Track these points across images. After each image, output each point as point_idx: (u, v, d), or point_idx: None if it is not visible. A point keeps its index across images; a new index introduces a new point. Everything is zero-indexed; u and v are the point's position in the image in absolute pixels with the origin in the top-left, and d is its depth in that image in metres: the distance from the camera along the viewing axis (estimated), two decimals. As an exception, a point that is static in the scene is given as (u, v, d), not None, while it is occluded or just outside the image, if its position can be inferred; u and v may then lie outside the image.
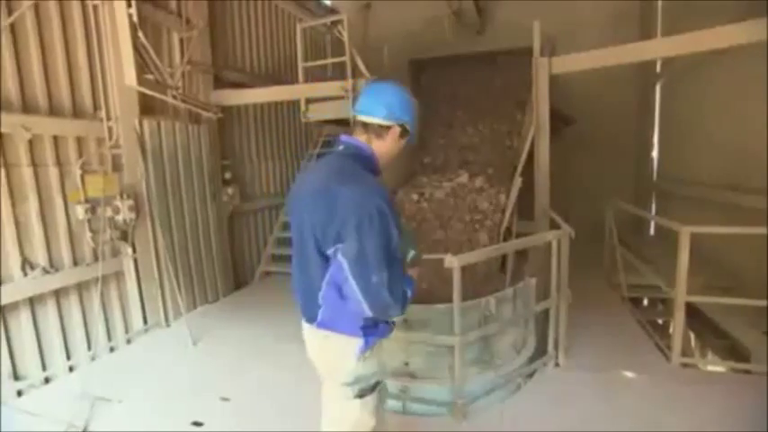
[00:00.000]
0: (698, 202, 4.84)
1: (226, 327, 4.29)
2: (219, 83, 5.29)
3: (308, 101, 5.18)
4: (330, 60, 5.83)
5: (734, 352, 3.66)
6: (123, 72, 3.89)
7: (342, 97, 4.84)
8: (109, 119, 3.93)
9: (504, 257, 3.58)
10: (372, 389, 1.67)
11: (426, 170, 5.27)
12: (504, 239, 3.73)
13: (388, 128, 1.60)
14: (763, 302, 3.26)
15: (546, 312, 3.12)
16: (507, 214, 3.84)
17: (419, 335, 2.81)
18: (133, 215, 4.00)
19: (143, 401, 3.03)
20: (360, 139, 1.61)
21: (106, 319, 3.99)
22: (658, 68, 6.30)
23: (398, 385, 2.86)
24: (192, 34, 4.72)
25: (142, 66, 3.99)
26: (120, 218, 3.93)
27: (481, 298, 2.83)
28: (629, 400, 2.79)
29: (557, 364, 3.18)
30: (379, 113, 1.58)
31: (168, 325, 4.37)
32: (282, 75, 6.67)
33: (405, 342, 2.87)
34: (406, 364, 2.89)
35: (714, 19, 3.68)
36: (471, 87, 5.91)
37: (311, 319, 1.63)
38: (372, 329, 1.56)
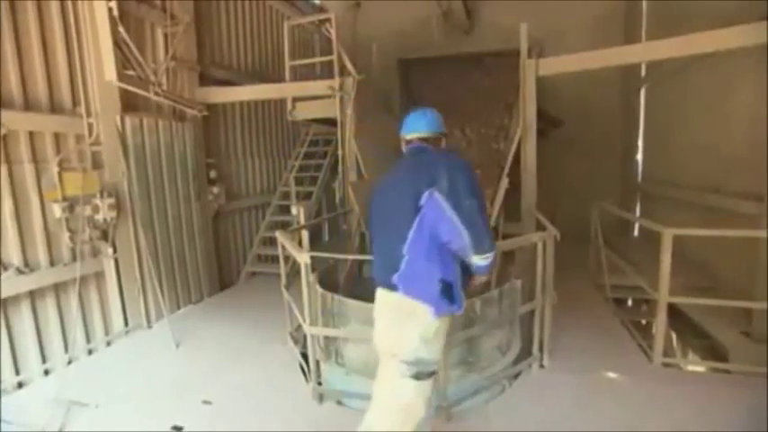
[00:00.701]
0: (681, 204, 4.90)
1: (209, 328, 4.21)
2: (205, 80, 5.20)
3: (296, 99, 5.12)
4: (318, 59, 5.78)
5: (713, 352, 3.71)
6: (104, 67, 3.77)
7: (329, 96, 4.79)
8: (89, 115, 3.81)
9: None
10: (429, 375, 1.74)
11: None
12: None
13: (438, 137, 2.08)
14: (741, 303, 3.33)
15: (531, 314, 3.11)
16: (494, 215, 3.83)
17: (404, 337, 2.77)
18: (114, 214, 3.90)
19: (121, 405, 2.94)
20: (422, 145, 2.03)
21: (85, 321, 3.88)
22: (643, 72, 6.37)
23: (383, 388, 2.82)
24: (176, 30, 4.62)
25: (123, 61, 3.88)
26: (100, 217, 3.82)
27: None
28: (612, 400, 2.79)
29: (541, 366, 3.18)
30: (429, 128, 2.05)
31: (150, 326, 4.27)
32: (269, 73, 6.59)
33: (389, 344, 2.84)
34: (391, 366, 2.86)
35: (697, 23, 3.73)
36: (459, 89, 5.92)
37: (390, 283, 1.77)
38: (444, 299, 1.68)
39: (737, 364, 3.19)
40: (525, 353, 3.19)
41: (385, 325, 1.81)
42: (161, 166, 4.48)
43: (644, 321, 4.75)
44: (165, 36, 4.63)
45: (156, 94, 4.20)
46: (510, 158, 4.11)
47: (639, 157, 6.57)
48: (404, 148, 2.09)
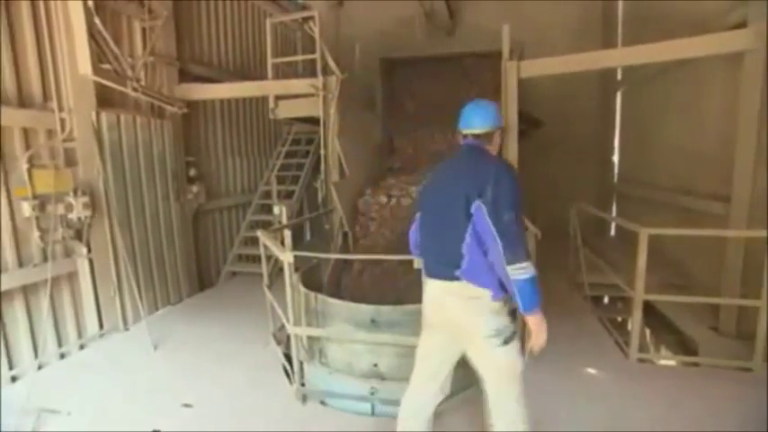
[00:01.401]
0: (655, 205, 5.06)
1: (189, 329, 4.11)
2: (185, 76, 5.07)
3: (278, 98, 5.05)
4: (300, 57, 5.72)
5: (684, 346, 3.85)
6: (77, 61, 3.63)
7: (312, 95, 4.74)
8: (61, 110, 3.67)
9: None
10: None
11: (394, 172, 5.23)
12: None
13: (491, 133, 2.07)
14: (709, 300, 3.46)
15: (514, 312, 3.14)
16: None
17: (388, 336, 2.77)
18: (88, 213, 3.76)
19: (96, 411, 2.84)
20: (475, 142, 2.07)
21: (56, 324, 3.73)
22: (619, 76, 6.55)
23: (367, 387, 2.81)
24: (154, 24, 4.49)
25: (99, 55, 3.75)
26: (73, 216, 3.67)
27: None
28: (591, 396, 2.86)
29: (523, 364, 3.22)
30: (483, 125, 2.06)
31: (127, 329, 4.14)
32: (251, 70, 6.49)
33: (373, 343, 2.84)
34: (375, 365, 2.85)
35: (669, 29, 3.87)
36: (441, 90, 5.94)
37: (447, 275, 1.91)
38: (501, 287, 1.84)
39: (706, 357, 3.32)
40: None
41: (455, 313, 1.94)
42: (139, 163, 4.36)
43: (620, 319, 4.88)
44: (143, 30, 4.50)
45: (134, 89, 4.07)
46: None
47: (616, 158, 6.75)
48: (461, 140, 2.15)
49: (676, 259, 4.47)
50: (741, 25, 3.31)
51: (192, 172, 5.21)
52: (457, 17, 7.35)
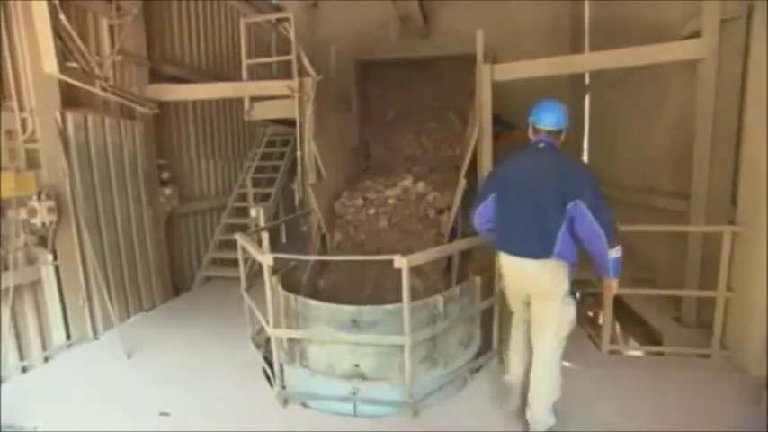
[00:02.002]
0: (622, 203, 5.29)
1: (164, 336, 4.00)
2: (156, 77, 4.94)
3: (253, 99, 4.99)
4: (276, 59, 5.68)
5: (650, 337, 4.05)
6: (40, 58, 3.46)
7: (288, 97, 4.71)
8: (22, 110, 3.50)
9: (449, 257, 3.67)
10: (573, 294, 2.52)
11: (370, 173, 5.25)
12: (450, 240, 3.83)
13: (561, 131, 2.47)
14: (672, 292, 3.66)
15: (491, 309, 3.24)
16: (452, 215, 3.94)
17: (369, 336, 2.79)
18: (54, 218, 3.60)
19: (66, 425, 2.72)
20: (548, 138, 2.44)
21: (18, 336, 3.53)
22: (587, 80, 6.81)
23: (349, 387, 2.83)
24: (123, 22, 4.35)
25: (65, 53, 3.60)
26: (37, 221, 3.51)
27: (429, 297, 2.87)
28: (567, 387, 2.96)
29: (501, 359, 3.31)
30: (560, 124, 2.46)
31: (96, 338, 3.99)
32: (225, 71, 6.38)
33: (355, 344, 2.85)
34: (357, 365, 2.87)
35: (631, 37, 4.07)
36: (415, 92, 6.01)
37: (536, 254, 2.34)
38: (574, 262, 2.36)
39: (670, 347, 3.51)
40: (485, 347, 3.32)
41: (542, 281, 2.38)
42: (108, 166, 4.21)
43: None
44: (111, 28, 4.35)
45: (103, 89, 3.94)
46: (467, 161, 4.24)
47: (585, 158, 7.00)
48: (533, 135, 2.49)
49: (642, 255, 4.68)
50: (695, 35, 3.53)
51: (165, 175, 5.08)
52: (431, 21, 7.46)
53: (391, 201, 4.29)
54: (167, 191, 5.07)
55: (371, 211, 4.26)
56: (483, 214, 2.58)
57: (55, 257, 3.71)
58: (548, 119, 2.45)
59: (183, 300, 5.15)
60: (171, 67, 5.26)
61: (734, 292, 3.14)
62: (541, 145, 2.45)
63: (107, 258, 4.15)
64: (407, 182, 4.39)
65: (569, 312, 2.41)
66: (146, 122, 4.73)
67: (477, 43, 4.18)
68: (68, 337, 3.84)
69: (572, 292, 2.47)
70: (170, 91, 4.89)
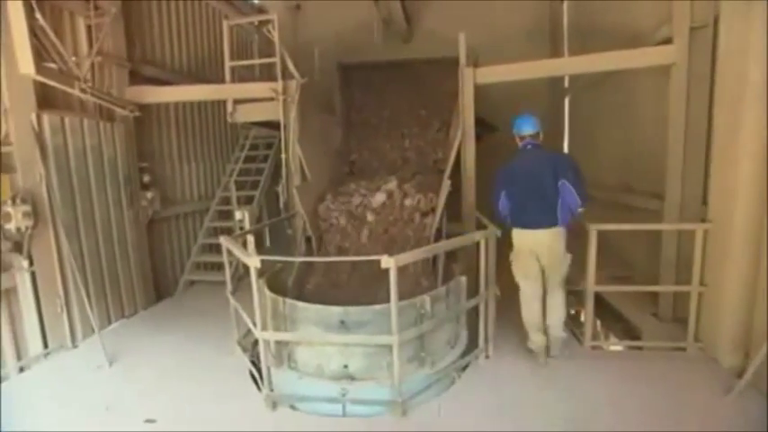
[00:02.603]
0: (601, 203, 5.45)
1: (147, 342, 3.94)
2: (136, 78, 4.86)
3: (237, 102, 4.95)
4: (260, 61, 5.65)
5: (630, 332, 4.19)
6: (14, 58, 3.36)
7: (272, 99, 4.70)
8: (-5, 111, 3.41)
9: (435, 257, 3.73)
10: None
11: (354, 176, 5.28)
12: (436, 240, 3.89)
13: (539, 133, 3.32)
14: (649, 288, 3.80)
15: (476, 308, 3.31)
16: (437, 216, 4.00)
17: (358, 336, 2.82)
18: (30, 223, 3.51)
19: (46, 434, 2.66)
20: (532, 141, 3.31)
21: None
22: (566, 83, 7.01)
23: (338, 388, 2.84)
24: (101, 22, 4.26)
25: (41, 52, 3.52)
26: (11, 226, 3.41)
27: (416, 297, 2.92)
28: (551, 382, 3.07)
29: (487, 356, 3.39)
30: (536, 128, 3.31)
31: (75, 346, 3.89)
32: (207, 73, 6.31)
33: (343, 345, 2.87)
34: (345, 366, 2.89)
35: (606, 43, 4.22)
36: (399, 95, 6.07)
37: (547, 224, 3.15)
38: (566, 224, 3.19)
39: (648, 341, 3.65)
40: (472, 345, 3.38)
41: (552, 243, 3.18)
42: (87, 169, 4.13)
43: (573, 311, 5.20)
44: (89, 27, 4.26)
45: (82, 90, 3.86)
46: (451, 163, 4.31)
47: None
48: (519, 142, 3.36)
49: (621, 253, 4.84)
50: (668, 41, 3.68)
51: (146, 178, 5.00)
52: (414, 24, 7.55)
53: (375, 208, 4.31)
54: (149, 194, 4.98)
55: (358, 211, 4.28)
56: (504, 205, 3.32)
57: (31, 263, 3.61)
58: (526, 127, 3.31)
59: (166, 305, 5.06)
60: (152, 69, 5.19)
61: (706, 286, 3.28)
62: (529, 147, 3.32)
63: (86, 264, 4.06)
64: (392, 185, 4.42)
65: (568, 260, 3.27)
66: (126, 125, 4.64)
67: (460, 46, 4.26)
68: (45, 345, 3.74)
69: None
70: (151, 93, 4.83)
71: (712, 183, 3.33)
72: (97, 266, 4.21)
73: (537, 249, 3.19)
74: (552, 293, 3.31)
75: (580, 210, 3.14)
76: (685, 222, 3.57)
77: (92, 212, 4.17)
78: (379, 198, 4.32)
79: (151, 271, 5.08)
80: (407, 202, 4.24)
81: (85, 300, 3.78)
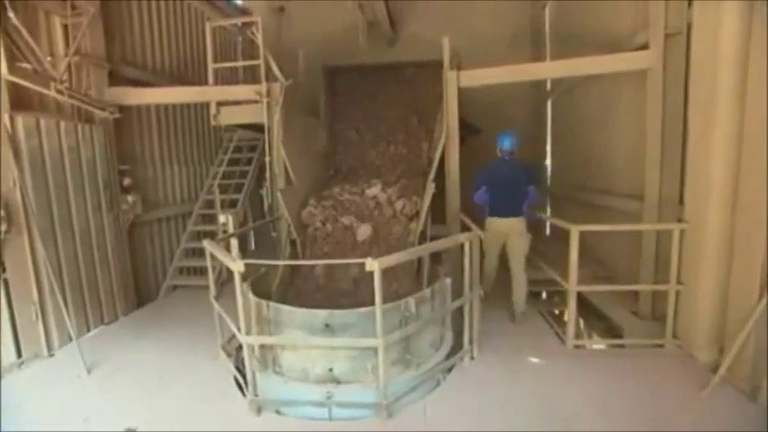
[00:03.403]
0: (584, 205, 5.56)
1: (127, 349, 3.86)
2: (116, 79, 4.77)
3: (220, 104, 4.91)
4: (244, 63, 5.60)
5: (611, 331, 4.28)
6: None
7: (256, 101, 4.67)
8: (-35, 113, 3.31)
9: (420, 260, 3.75)
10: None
11: (338, 179, 5.29)
12: (420, 243, 3.92)
13: (514, 149, 4.21)
14: (629, 287, 3.90)
15: (461, 310, 3.34)
16: (422, 219, 4.03)
17: (342, 339, 2.82)
18: (3, 228, 3.41)
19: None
20: (509, 155, 4.22)
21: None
22: (549, 86, 7.13)
23: (323, 392, 2.83)
24: (79, 21, 4.18)
25: (14, 52, 3.43)
26: (-17, 232, 3.32)
27: (401, 299, 2.93)
28: (535, 382, 3.11)
29: (472, 358, 3.42)
30: (514, 146, 4.21)
31: (51, 354, 3.79)
32: (190, 75, 6.25)
33: (328, 348, 2.86)
34: (331, 369, 2.88)
35: (586, 48, 4.33)
36: (383, 98, 6.10)
37: (516, 214, 4.14)
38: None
39: (629, 339, 3.73)
40: (457, 347, 3.41)
41: (510, 230, 4.15)
42: (65, 172, 4.03)
43: (557, 311, 5.29)
44: (66, 27, 4.17)
45: (58, 91, 3.77)
46: (435, 165, 4.36)
47: (548, 162, 7.31)
48: (500, 153, 4.25)
49: (602, 253, 4.95)
50: (644, 47, 3.80)
51: (127, 181, 4.92)
52: (398, 27, 7.60)
53: (360, 211, 4.32)
54: (130, 198, 4.90)
55: (337, 212, 4.29)
56: (482, 196, 4.25)
57: (3, 270, 3.51)
58: (506, 144, 4.22)
59: (147, 311, 4.97)
60: (132, 70, 5.11)
61: (683, 285, 3.38)
62: (507, 158, 4.23)
63: (64, 269, 3.96)
64: (376, 189, 4.42)
65: (528, 238, 4.16)
66: (105, 127, 4.55)
67: (444, 50, 4.31)
68: (19, 355, 3.63)
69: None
70: (131, 94, 4.74)
71: (687, 183, 3.45)
72: (75, 272, 4.11)
73: (506, 231, 4.17)
74: (516, 275, 4.18)
75: (535, 206, 4.50)
76: (663, 222, 3.67)
77: (69, 217, 4.07)
78: (360, 201, 4.33)
79: (132, 276, 4.99)
80: (390, 210, 4.24)
81: (62, 306, 3.68)
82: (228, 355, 3.55)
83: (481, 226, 3.95)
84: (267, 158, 4.80)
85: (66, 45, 4.13)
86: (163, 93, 5.01)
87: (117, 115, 4.62)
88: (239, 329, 2.91)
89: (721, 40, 2.97)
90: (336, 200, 4.43)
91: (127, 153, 5.11)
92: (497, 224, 4.18)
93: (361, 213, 4.32)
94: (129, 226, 5.02)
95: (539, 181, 4.58)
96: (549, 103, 7.23)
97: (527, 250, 4.15)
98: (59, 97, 3.86)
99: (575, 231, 3.42)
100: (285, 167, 4.52)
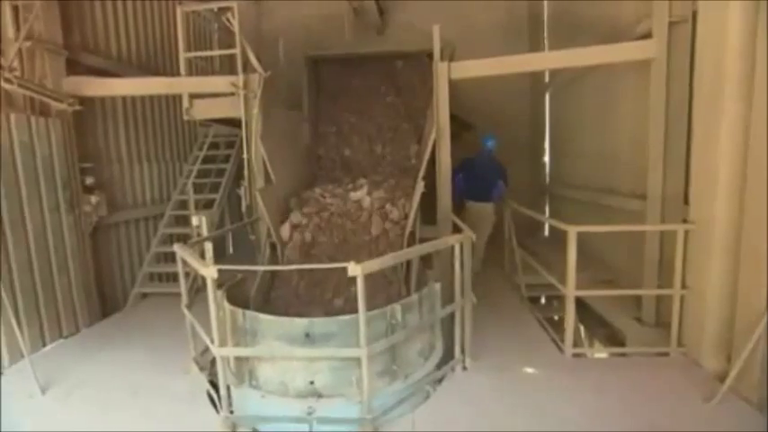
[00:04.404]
0: (583, 204, 5.60)
1: (89, 364, 3.76)
2: (76, 68, 4.66)
3: (193, 97, 4.83)
4: (218, 52, 5.52)
5: (614, 338, 4.30)
6: None
7: (232, 94, 4.61)
8: None
9: (408, 263, 3.72)
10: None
11: (322, 179, 5.24)
12: (408, 245, 3.89)
13: (493, 148, 5.86)
14: (632, 292, 3.91)
15: (452, 317, 3.31)
16: (410, 219, 4.00)
17: (324, 350, 2.78)
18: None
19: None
20: (489, 152, 5.84)
21: None
22: (547, 79, 7.18)
23: (304, 407, 2.79)
24: (30, 3, 4.06)
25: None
26: None
27: (386, 306, 2.90)
28: (530, 394, 3.09)
29: (464, 368, 3.39)
30: (493, 147, 5.82)
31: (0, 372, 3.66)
32: (160, 65, 6.15)
33: (308, 359, 2.82)
34: (312, 382, 2.84)
35: (584, 39, 4.35)
36: (371, 91, 6.08)
37: (486, 200, 5.85)
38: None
39: (632, 347, 3.74)
40: (448, 356, 3.38)
41: (481, 210, 5.79)
42: (16, 170, 3.92)
43: (556, 317, 5.31)
44: (15, 9, 4.05)
45: (7, 80, 3.66)
46: (425, 162, 4.33)
47: (547, 159, 7.35)
48: (484, 149, 5.74)
49: (604, 255, 4.98)
50: (648, 36, 3.82)
51: (90, 180, 4.82)
52: (387, 15, 7.59)
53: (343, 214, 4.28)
54: (93, 198, 4.80)
55: (321, 213, 4.25)
56: (458, 186, 5.39)
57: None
58: (489, 144, 5.73)
59: (113, 321, 4.87)
60: (94, 58, 5.00)
61: (688, 289, 3.40)
62: (486, 154, 5.74)
63: (15, 278, 3.84)
64: (360, 192, 4.36)
65: (493, 218, 5.80)
66: (64, 120, 4.45)
67: (434, 40, 4.29)
68: (-37, 374, 3.51)
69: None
70: (93, 85, 4.63)
71: (692, 181, 3.44)
72: (29, 280, 3.99)
73: (479, 213, 5.74)
74: (476, 248, 5.16)
75: (502, 194, 5.76)
76: (668, 223, 3.69)
77: (22, 219, 3.95)
78: (343, 204, 4.29)
79: (96, 284, 4.88)
80: (375, 220, 4.20)
81: (13, 320, 3.52)
82: (202, 368, 3.48)
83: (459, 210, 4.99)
84: (245, 156, 4.73)
85: (17, 28, 4.01)
86: (129, 84, 4.91)
87: (77, 107, 4.50)
88: (212, 341, 2.84)
89: (728, 29, 2.98)
90: (320, 203, 4.38)
91: (90, 150, 5.00)
92: (474, 206, 5.85)
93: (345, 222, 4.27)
94: (93, 229, 4.91)
95: (506, 179, 5.80)
96: (546, 97, 7.27)
97: (490, 228, 5.84)
98: (8, 87, 3.74)
99: (572, 232, 3.41)
100: (264, 165, 4.47)
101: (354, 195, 4.36)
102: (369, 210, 4.23)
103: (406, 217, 4.07)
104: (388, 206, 4.21)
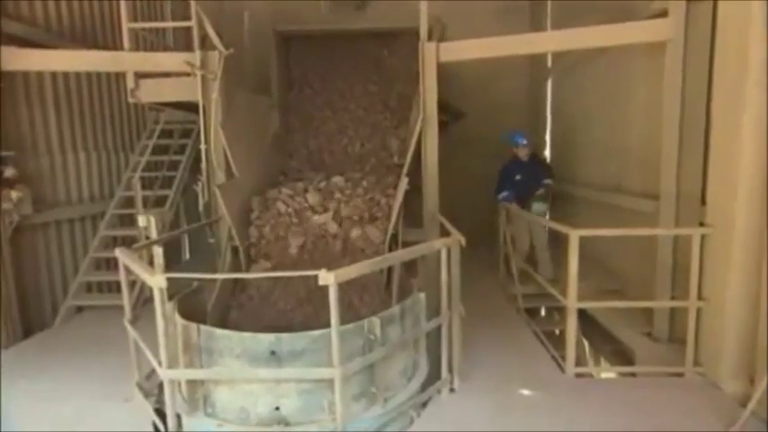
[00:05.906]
0: (588, 204, 5.70)
1: (4, 394, 3.61)
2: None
3: (140, 76, 4.75)
4: (170, 24, 5.45)
5: (621, 355, 4.38)
6: None
7: (187, 74, 4.55)
8: None
9: (389, 270, 3.74)
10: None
11: (291, 175, 5.24)
12: (390, 249, 3.91)
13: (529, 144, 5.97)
14: (641, 303, 3.98)
15: (438, 331, 3.33)
16: (393, 220, 4.02)
17: (291, 370, 2.76)
18: None
19: None
20: (527, 149, 5.87)
21: None
22: (549, 63, 7.30)
23: (267, 439, 2.77)
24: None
25: None
26: None
27: (363, 319, 2.90)
28: (526, 421, 3.12)
29: (452, 390, 3.41)
30: (530, 142, 5.92)
31: None
32: (100, 37, 6.06)
33: (274, 381, 2.81)
34: (277, 408, 2.82)
35: (593, 18, 4.44)
36: (350, 74, 6.10)
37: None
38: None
39: (642, 366, 3.81)
40: (434, 376, 3.41)
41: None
42: None
43: (557, 331, 5.39)
44: None
45: None
46: (410, 156, 4.35)
47: (548, 153, 7.45)
48: (519, 148, 5.73)
49: (610, 262, 5.07)
50: (663, 14, 3.90)
51: (10, 172, 4.73)
52: (369, -12, 7.61)
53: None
54: (13, 194, 4.70)
55: (288, 214, 4.25)
56: (508, 198, 5.62)
57: None
58: (521, 141, 5.68)
59: (38, 341, 4.77)
60: (16, 25, 4.87)
61: (705, 301, 3.47)
62: (525, 153, 5.75)
63: None
64: (325, 217, 4.31)
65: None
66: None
67: (422, 17, 4.31)
68: None
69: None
70: (14, 57, 4.43)
71: (711, 179, 3.51)
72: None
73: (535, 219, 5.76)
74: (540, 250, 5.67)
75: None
76: (682, 226, 3.77)
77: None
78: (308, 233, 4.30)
79: (17, 295, 4.79)
80: (354, 232, 4.21)
81: None
82: (146, 395, 3.42)
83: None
84: (203, 146, 4.69)
85: None
86: (60, 57, 4.78)
87: (-6, 84, 4.40)
88: (159, 362, 2.80)
89: (753, 7, 3.01)
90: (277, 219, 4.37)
91: (10, 135, 4.90)
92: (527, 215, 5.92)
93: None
94: (14, 230, 4.82)
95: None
96: (549, 83, 7.38)
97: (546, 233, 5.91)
98: None
99: (574, 236, 3.47)
100: (225, 157, 4.44)
101: (318, 219, 4.31)
102: (338, 235, 4.21)
103: (388, 218, 4.09)
104: (365, 229, 4.17)
